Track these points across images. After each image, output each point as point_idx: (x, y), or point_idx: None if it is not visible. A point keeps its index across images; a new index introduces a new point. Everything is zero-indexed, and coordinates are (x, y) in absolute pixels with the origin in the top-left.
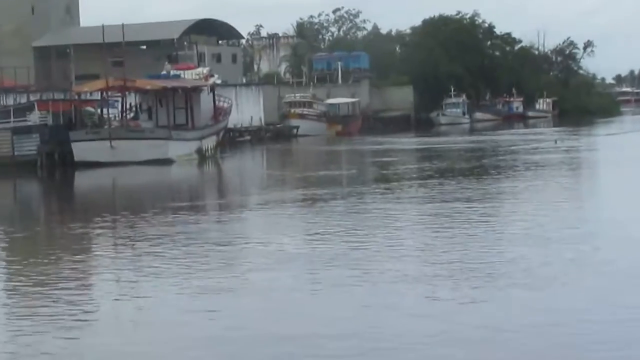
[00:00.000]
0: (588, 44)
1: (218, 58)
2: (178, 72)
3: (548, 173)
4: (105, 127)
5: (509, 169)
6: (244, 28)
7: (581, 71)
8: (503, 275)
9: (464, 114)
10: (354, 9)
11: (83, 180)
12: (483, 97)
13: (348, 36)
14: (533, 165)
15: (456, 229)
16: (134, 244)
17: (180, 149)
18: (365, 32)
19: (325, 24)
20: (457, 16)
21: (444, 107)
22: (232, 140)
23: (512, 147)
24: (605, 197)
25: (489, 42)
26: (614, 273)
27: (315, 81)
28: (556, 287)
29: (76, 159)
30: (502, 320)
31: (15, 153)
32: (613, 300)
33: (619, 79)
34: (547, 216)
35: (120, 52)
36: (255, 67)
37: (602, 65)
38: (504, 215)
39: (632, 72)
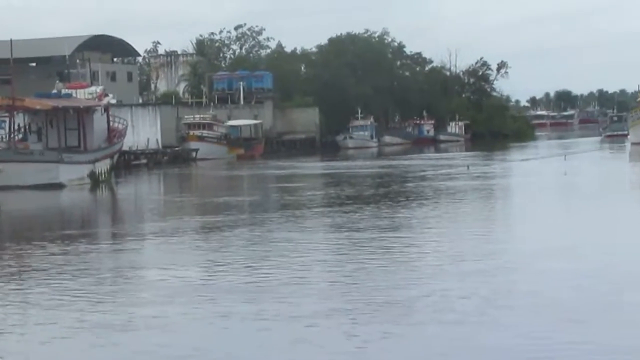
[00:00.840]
0: (502, 65)
1: (113, 76)
2: (70, 91)
3: (459, 201)
4: None
5: (420, 196)
6: (141, 45)
7: (495, 93)
8: (418, 309)
9: (372, 137)
10: (257, 26)
11: None
12: (392, 120)
13: (251, 55)
14: (444, 193)
15: (366, 260)
16: (20, 276)
17: (71, 172)
18: (268, 51)
19: (226, 42)
20: (366, 34)
21: (350, 129)
22: (127, 163)
23: (423, 173)
24: (519, 227)
25: (398, 62)
26: (531, 306)
27: (216, 102)
28: (473, 321)
29: None
30: (420, 357)
31: None
32: (535, 335)
33: (533, 102)
34: (459, 247)
35: (8, 69)
36: (152, 86)
37: (517, 87)
38: (415, 246)
39: (547, 94)
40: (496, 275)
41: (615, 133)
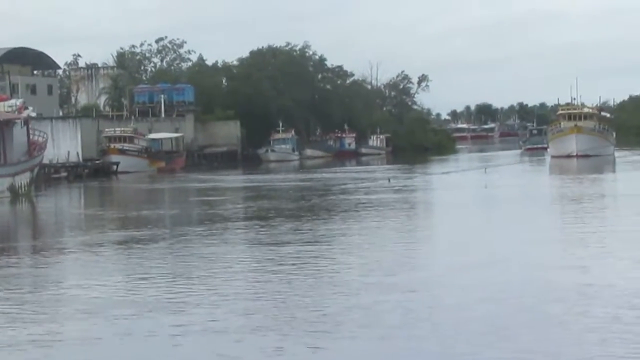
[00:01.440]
0: (423, 78)
1: (33, 89)
2: None
3: (381, 214)
4: None
5: (341, 210)
6: (61, 58)
7: (415, 106)
8: (344, 323)
9: (293, 150)
10: (178, 39)
11: None
12: (314, 133)
13: (172, 67)
14: (366, 206)
15: (290, 274)
16: None
17: None
18: (189, 64)
19: (147, 55)
20: (287, 47)
21: (272, 142)
22: (48, 177)
23: (344, 186)
24: (441, 241)
25: (320, 75)
26: (456, 320)
27: (137, 115)
28: (399, 336)
29: None
30: None
31: None
32: (461, 351)
33: (454, 115)
34: (383, 260)
35: None
36: (73, 99)
37: (438, 100)
38: (339, 260)
39: (468, 107)
40: (420, 289)
41: (535, 146)
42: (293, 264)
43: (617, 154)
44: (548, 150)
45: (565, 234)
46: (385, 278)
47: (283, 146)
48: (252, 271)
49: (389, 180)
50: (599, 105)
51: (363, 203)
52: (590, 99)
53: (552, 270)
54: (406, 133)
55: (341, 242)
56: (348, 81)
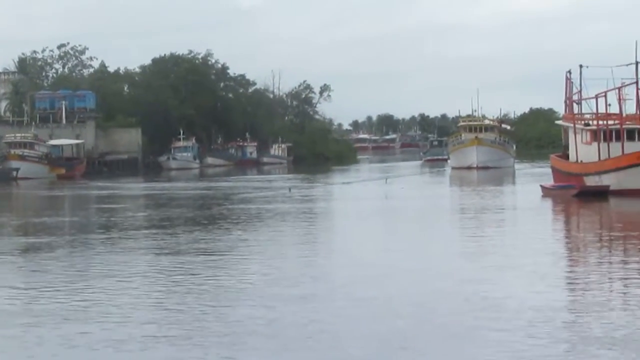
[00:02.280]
0: (324, 88)
1: None
2: None
3: (281, 224)
4: None
5: (242, 219)
6: None
7: (317, 116)
8: (247, 334)
9: (194, 158)
10: (79, 45)
11: None
12: (215, 141)
13: (73, 74)
14: (266, 215)
15: (191, 284)
16: None
17: None
18: (91, 70)
19: (49, 61)
20: (189, 55)
21: (173, 151)
22: None
23: (245, 195)
24: (340, 252)
25: (222, 84)
26: (359, 334)
27: (38, 121)
28: (302, 347)
29: None
30: None
31: None
32: None
33: (356, 125)
34: (282, 271)
35: None
36: None
37: (340, 110)
38: (239, 270)
39: (369, 118)
40: (319, 301)
41: (435, 157)
42: (194, 274)
43: (517, 166)
44: (448, 161)
45: (465, 246)
46: (288, 289)
47: (184, 154)
48: (151, 281)
49: (290, 190)
50: (499, 117)
51: (264, 212)
52: (491, 111)
53: (452, 282)
54: (308, 142)
55: (243, 252)
56: (250, 90)
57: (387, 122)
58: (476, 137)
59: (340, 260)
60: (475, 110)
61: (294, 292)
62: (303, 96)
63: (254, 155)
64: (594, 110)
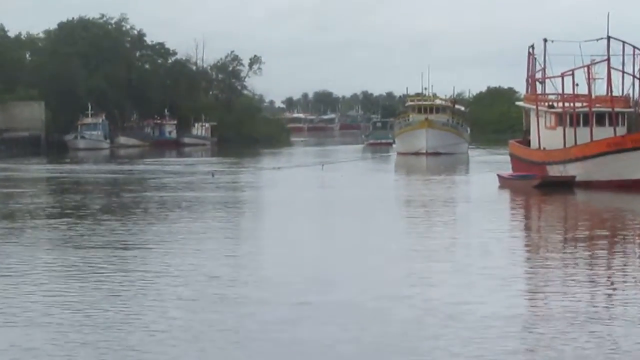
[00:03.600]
0: (255, 60)
1: None
2: None
3: (203, 215)
4: None
5: (159, 209)
6: None
7: (246, 92)
8: (164, 344)
9: (105, 137)
10: None
11: None
12: (129, 119)
13: None
14: (187, 205)
15: (100, 283)
16: None
17: None
18: None
19: None
20: (101, 20)
21: (80, 128)
22: None
23: (162, 180)
24: (269, 249)
25: (138, 53)
26: (286, 338)
27: None
28: (221, 354)
29: None
30: None
31: None
32: None
33: (290, 103)
34: (206, 270)
35: None
36: None
37: (272, 86)
38: (155, 268)
39: (305, 95)
40: (247, 305)
41: (379, 141)
42: (103, 272)
43: (471, 152)
44: (394, 146)
45: (411, 244)
46: (209, 288)
47: (94, 132)
48: (56, 278)
49: (213, 175)
50: (452, 97)
51: (183, 201)
52: (443, 90)
53: (400, 286)
54: (235, 122)
55: (159, 247)
56: (170, 61)
57: (325, 100)
58: (426, 118)
59: (269, 259)
60: (426, 89)
61: (216, 292)
62: (230, 69)
63: (174, 135)
64: (559, 91)
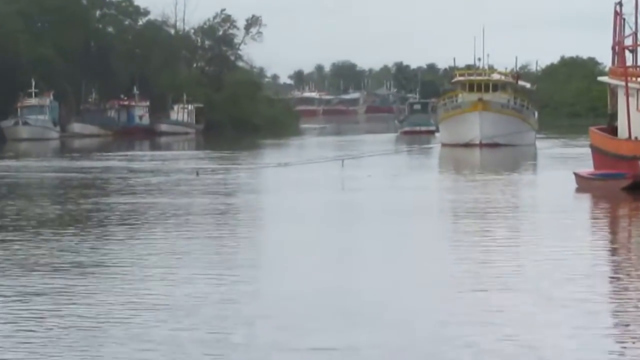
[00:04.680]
0: (253, 22)
1: None
2: None
3: (186, 227)
4: None
5: (127, 219)
6: None
7: (242, 63)
8: None
9: (54, 124)
10: None
11: None
12: (86, 99)
13: None
14: (164, 214)
15: (37, 314)
16: None
17: None
18: None
19: None
20: None
21: (20, 111)
22: None
23: (130, 182)
24: (274, 268)
25: (98, 12)
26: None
27: None
28: None
29: None
30: None
31: None
32: None
33: (299, 79)
34: (194, 294)
35: None
36: None
37: (276, 55)
38: (124, 298)
39: (320, 68)
40: (248, 351)
41: (417, 129)
42: (41, 308)
43: (539, 143)
44: (437, 135)
45: (461, 270)
46: (197, 329)
47: (39, 117)
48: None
49: (198, 174)
50: (515, 70)
51: (158, 209)
52: (503, 61)
53: (450, 325)
54: (227, 103)
55: (131, 272)
56: (141, 22)
57: (346, 75)
58: (480, 99)
59: (273, 288)
60: (480, 59)
61: (208, 316)
62: (220, 33)
63: (146, 120)
64: None
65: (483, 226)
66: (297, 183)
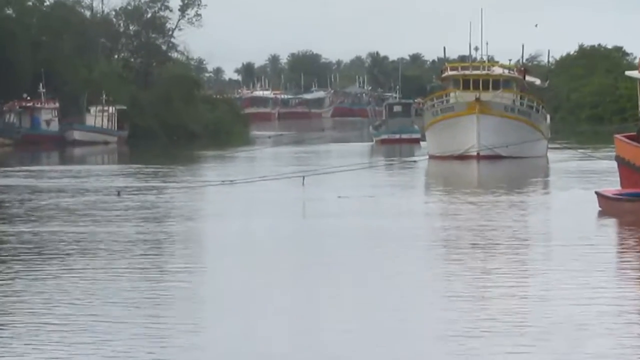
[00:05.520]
0: (190, 2)
1: None
2: None
3: (95, 264)
4: None
5: (20, 253)
6: None
7: (176, 54)
8: None
9: None
10: None
11: None
12: None
13: None
14: (68, 247)
15: None
16: None
17: None
18: None
19: None
20: None
21: None
22: None
23: (32, 204)
24: (213, 315)
25: None
26: None
27: None
28: None
29: None
30: None
31: None
32: None
33: (249, 73)
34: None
35: None
36: None
37: (218, 44)
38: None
39: (274, 59)
40: None
41: (398, 137)
42: None
43: (552, 155)
44: (423, 144)
45: (467, 321)
46: None
47: None
48: None
49: (119, 195)
50: (522, 62)
51: (66, 241)
52: (506, 50)
53: None
54: (157, 104)
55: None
56: (48, 3)
57: (308, 69)
58: (477, 99)
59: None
60: (477, 49)
61: None
62: (149, 16)
63: (54, 126)
64: None
65: (482, 264)
66: (246, 207)
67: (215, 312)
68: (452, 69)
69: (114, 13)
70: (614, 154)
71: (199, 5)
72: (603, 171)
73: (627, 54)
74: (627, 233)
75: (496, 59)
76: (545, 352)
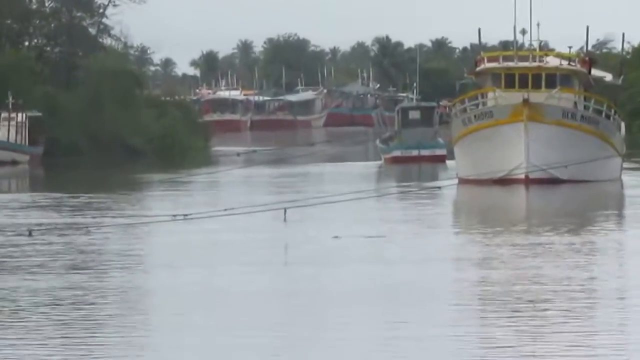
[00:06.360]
0: None
1: None
2: None
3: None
4: None
5: None
6: None
7: (110, 41)
8: None
9: None
10: None
11: None
12: None
13: None
14: None
15: None
16: None
17: None
18: None
19: None
20: None
21: None
22: None
23: None
24: None
25: None
26: None
27: None
28: None
29: None
30: None
31: None
32: None
33: (210, 66)
34: None
35: None
36: None
37: (168, 29)
38: None
39: (245, 46)
40: None
41: (416, 153)
42: None
43: (628, 178)
44: (451, 163)
45: None
46: None
47: None
48: None
49: (31, 234)
50: (586, 50)
51: None
52: (563, 36)
53: None
54: (84, 110)
55: None
56: None
57: (292, 60)
58: (526, 101)
59: None
60: (525, 33)
61: None
62: None
63: None
64: None
65: (537, 329)
66: (205, 252)
67: None
68: (490, 59)
69: None
70: None
71: None
72: None
73: None
74: None
75: (551, 46)
76: None
